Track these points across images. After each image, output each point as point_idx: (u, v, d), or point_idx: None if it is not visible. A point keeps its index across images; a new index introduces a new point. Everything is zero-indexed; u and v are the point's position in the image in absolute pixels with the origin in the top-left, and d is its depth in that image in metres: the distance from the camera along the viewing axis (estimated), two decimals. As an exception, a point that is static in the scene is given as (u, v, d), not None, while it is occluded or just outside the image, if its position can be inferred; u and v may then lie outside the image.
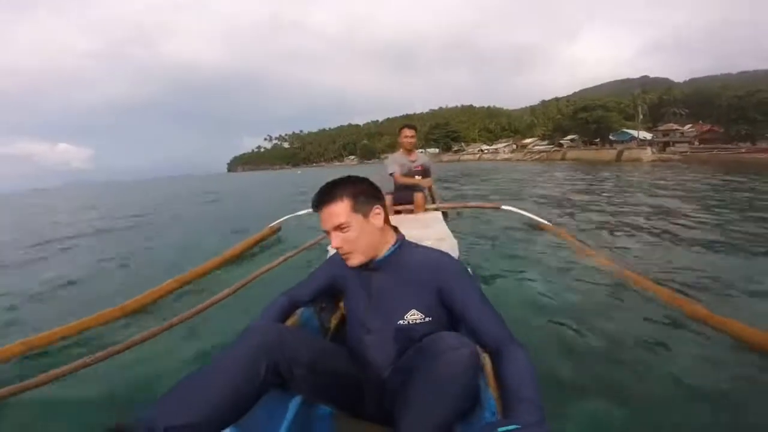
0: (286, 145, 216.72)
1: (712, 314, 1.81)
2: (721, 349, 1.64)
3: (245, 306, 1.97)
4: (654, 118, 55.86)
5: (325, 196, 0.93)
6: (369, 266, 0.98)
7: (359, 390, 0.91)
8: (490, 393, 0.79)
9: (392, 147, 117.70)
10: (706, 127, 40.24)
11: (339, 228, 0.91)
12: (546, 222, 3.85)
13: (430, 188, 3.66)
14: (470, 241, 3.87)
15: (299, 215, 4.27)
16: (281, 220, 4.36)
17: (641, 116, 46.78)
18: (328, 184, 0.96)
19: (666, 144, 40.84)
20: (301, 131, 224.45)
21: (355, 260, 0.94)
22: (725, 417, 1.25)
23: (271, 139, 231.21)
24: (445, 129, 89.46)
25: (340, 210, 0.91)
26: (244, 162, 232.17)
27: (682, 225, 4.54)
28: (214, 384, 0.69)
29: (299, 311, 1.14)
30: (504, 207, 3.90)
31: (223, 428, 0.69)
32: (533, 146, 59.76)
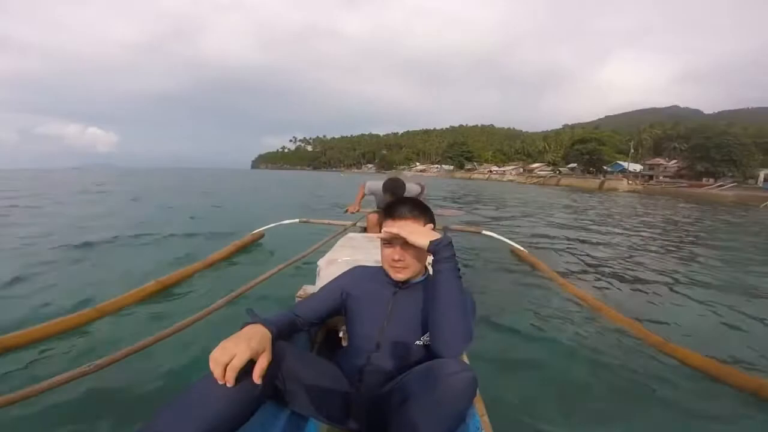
0: (309, 148, 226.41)
1: (666, 342, 2.04)
2: (672, 374, 1.83)
3: (236, 317, 1.59)
4: (657, 151, 61.22)
5: (406, 211, 1.07)
6: (405, 284, 1.09)
7: (347, 403, 0.95)
8: (476, 410, 0.91)
9: (409, 160, 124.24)
10: (686, 163, 45.43)
11: (406, 242, 1.02)
12: (521, 248, 4.03)
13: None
14: None
15: (284, 224, 4.31)
16: (265, 228, 4.39)
17: (632, 150, 52.35)
18: (409, 200, 1.11)
19: (651, 177, 46.30)
20: (324, 136, 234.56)
21: (404, 275, 1.07)
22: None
23: (295, 141, 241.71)
24: (461, 148, 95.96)
25: (417, 228, 1.03)
26: (267, 160, 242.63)
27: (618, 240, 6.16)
28: (213, 396, 0.70)
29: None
30: (485, 232, 4.08)
31: None
32: (538, 171, 65.75)
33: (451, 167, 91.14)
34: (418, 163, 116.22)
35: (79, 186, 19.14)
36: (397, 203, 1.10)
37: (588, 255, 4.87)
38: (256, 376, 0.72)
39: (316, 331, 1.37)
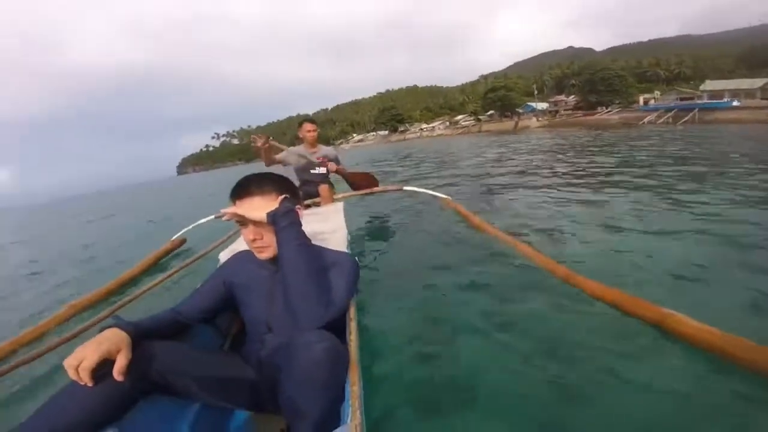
0: (235, 141, 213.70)
1: (575, 275, 1.93)
2: (576, 304, 1.73)
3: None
4: (559, 89, 69.16)
5: (252, 188, 1.01)
6: (276, 262, 1.03)
7: (255, 389, 0.97)
8: (348, 379, 0.86)
9: (345, 133, 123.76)
10: (581, 96, 52.28)
11: (259, 221, 0.98)
12: (444, 196, 4.04)
13: (343, 173, 3.81)
14: (371, 225, 4.09)
15: (202, 224, 4.04)
16: (183, 231, 4.08)
17: (536, 92, 58.77)
18: (254, 176, 1.03)
19: (556, 112, 52.56)
20: (249, 126, 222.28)
21: (268, 253, 1.02)
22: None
23: (218, 137, 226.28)
24: (391, 113, 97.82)
25: (264, 204, 0.99)
26: (194, 162, 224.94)
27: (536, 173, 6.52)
28: (78, 397, 0.74)
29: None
30: (406, 188, 4.12)
31: (102, 428, 0.75)
32: (462, 122, 70.23)
33: (386, 132, 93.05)
34: (354, 135, 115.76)
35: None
36: (243, 180, 1.04)
37: (503, 192, 5.21)
38: (116, 373, 0.75)
39: (228, 323, 1.34)
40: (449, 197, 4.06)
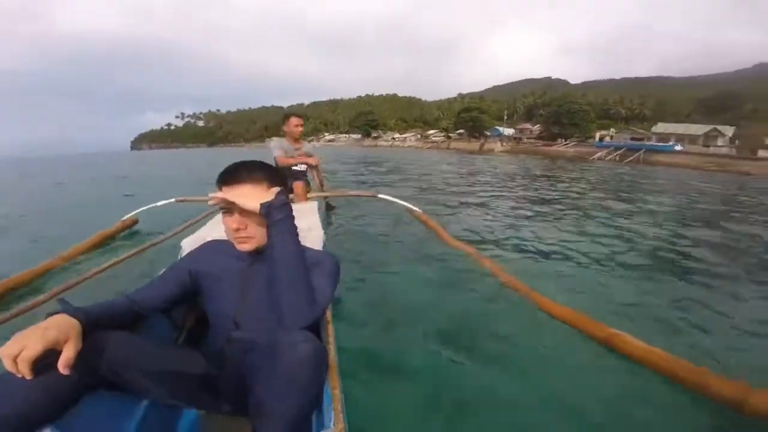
0: (200, 123, 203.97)
1: (534, 292, 2.12)
2: (522, 312, 1.95)
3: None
4: (528, 116, 72.76)
5: (242, 174, 0.96)
6: (260, 255, 0.99)
7: (213, 386, 0.92)
8: (328, 383, 0.83)
9: (318, 131, 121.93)
10: (545, 127, 55.18)
11: (245, 210, 0.93)
12: (415, 209, 4.08)
13: (318, 174, 3.98)
14: (346, 228, 4.10)
15: (157, 206, 3.85)
16: (137, 212, 3.89)
17: (506, 117, 61.50)
18: (244, 163, 1.00)
19: (520, 139, 54.95)
20: (218, 110, 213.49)
21: (249, 245, 0.97)
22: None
23: (183, 117, 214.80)
24: (367, 117, 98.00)
25: (255, 193, 0.94)
26: (151, 140, 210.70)
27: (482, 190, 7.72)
28: (15, 389, 0.65)
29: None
30: (380, 196, 4.14)
31: (39, 426, 0.67)
32: (433, 137, 71.85)
33: (359, 136, 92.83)
34: (326, 134, 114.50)
35: None
36: (232, 167, 0.99)
37: (470, 210, 5.68)
38: (62, 366, 0.66)
39: (183, 316, 1.25)
40: (420, 210, 4.13)
